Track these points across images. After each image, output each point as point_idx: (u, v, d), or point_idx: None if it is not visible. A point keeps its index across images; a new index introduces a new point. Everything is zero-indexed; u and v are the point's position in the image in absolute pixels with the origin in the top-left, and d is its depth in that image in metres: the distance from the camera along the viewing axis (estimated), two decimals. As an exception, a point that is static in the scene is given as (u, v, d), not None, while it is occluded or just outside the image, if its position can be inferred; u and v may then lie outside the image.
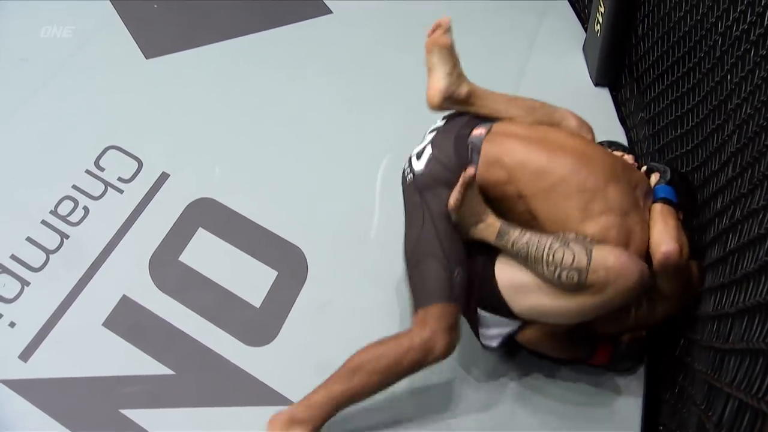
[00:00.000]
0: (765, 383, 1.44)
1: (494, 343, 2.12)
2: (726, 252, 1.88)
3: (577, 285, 1.87)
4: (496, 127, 2.12)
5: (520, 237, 1.96)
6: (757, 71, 1.84)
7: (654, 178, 2.14)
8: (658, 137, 2.61)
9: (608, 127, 2.93)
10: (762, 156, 1.73)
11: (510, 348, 2.16)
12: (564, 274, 1.88)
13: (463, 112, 2.19)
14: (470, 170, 1.99)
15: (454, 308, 2.04)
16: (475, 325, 2.12)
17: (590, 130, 2.26)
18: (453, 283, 2.03)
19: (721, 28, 2.11)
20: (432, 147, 2.11)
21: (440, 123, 2.20)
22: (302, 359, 2.30)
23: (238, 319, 2.38)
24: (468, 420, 2.19)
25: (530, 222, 2.00)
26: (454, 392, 2.23)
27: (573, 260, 1.86)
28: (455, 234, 2.06)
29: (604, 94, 3.07)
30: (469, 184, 1.99)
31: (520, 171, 2.01)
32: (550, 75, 3.13)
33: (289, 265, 2.51)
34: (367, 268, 2.33)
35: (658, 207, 2.05)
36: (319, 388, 2.05)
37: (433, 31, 2.16)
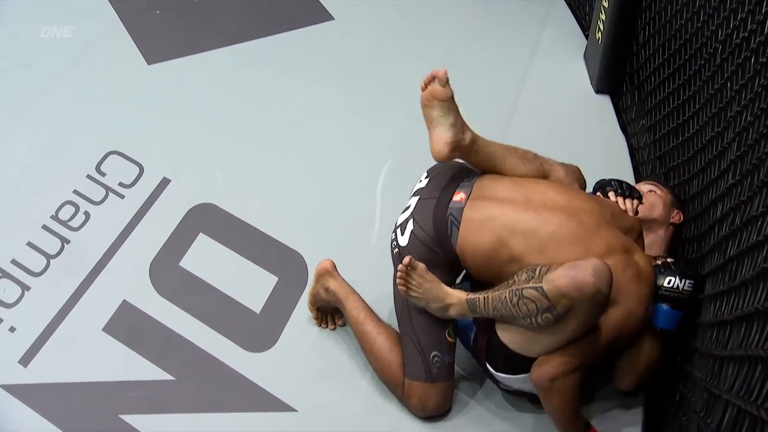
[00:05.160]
0: (764, 390, 1.44)
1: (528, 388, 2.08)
2: (725, 259, 1.88)
3: (557, 319, 1.85)
4: (478, 188, 2.09)
5: (487, 305, 1.95)
6: (757, 79, 1.85)
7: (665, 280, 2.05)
8: (658, 144, 2.61)
9: (609, 134, 2.94)
10: (761, 163, 1.73)
11: None
12: (539, 320, 1.86)
13: (446, 164, 2.17)
14: (406, 259, 2.00)
15: (437, 388, 2.12)
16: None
17: (578, 177, 2.24)
18: (430, 366, 2.10)
19: (721, 35, 2.12)
20: (413, 221, 2.10)
21: (423, 182, 2.17)
22: (302, 365, 2.30)
23: (238, 325, 2.38)
24: (468, 428, 2.19)
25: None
26: (454, 400, 2.22)
27: (536, 305, 1.84)
28: (427, 318, 2.09)
29: (605, 102, 3.07)
30: (409, 271, 2.00)
31: (510, 234, 1.99)
32: (552, 82, 3.13)
33: (289, 270, 2.51)
34: (368, 275, 2.33)
35: (645, 343, 2.07)
36: (349, 291, 2.27)
37: (428, 83, 2.06)
